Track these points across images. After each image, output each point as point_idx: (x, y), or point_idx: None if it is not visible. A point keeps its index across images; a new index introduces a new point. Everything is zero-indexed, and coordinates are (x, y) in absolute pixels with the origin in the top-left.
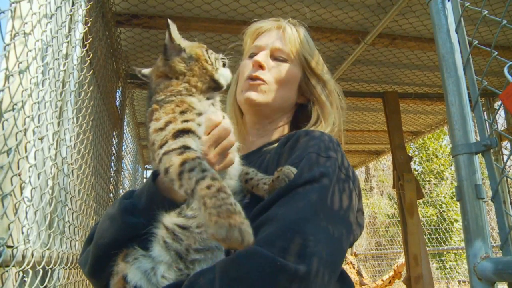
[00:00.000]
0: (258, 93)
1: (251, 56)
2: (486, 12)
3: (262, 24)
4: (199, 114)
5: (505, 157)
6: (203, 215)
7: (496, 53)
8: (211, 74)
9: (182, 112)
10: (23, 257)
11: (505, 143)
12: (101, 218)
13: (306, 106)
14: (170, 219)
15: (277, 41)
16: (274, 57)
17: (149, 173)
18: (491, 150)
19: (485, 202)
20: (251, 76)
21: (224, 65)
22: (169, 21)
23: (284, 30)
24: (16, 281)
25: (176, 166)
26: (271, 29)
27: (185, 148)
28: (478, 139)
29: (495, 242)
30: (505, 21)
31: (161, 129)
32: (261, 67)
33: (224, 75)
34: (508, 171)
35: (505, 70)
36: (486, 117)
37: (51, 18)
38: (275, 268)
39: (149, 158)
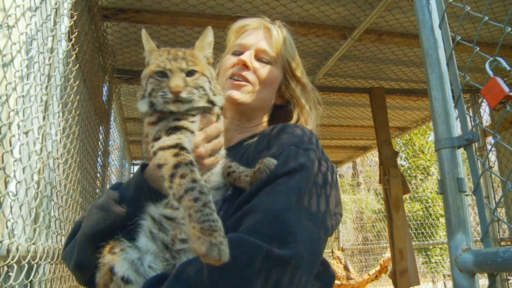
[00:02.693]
0: (241, 92)
1: (235, 53)
2: (469, 8)
3: (248, 22)
4: (192, 115)
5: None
6: (187, 225)
7: (478, 48)
8: None
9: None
10: (8, 251)
11: (490, 139)
12: (88, 210)
13: (283, 107)
14: (156, 209)
15: (262, 41)
16: (258, 58)
17: (136, 168)
18: (475, 145)
19: (467, 195)
20: (235, 74)
21: None
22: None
23: (270, 32)
24: (0, 276)
25: (169, 167)
26: (256, 28)
27: (180, 148)
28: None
29: (479, 236)
30: (487, 18)
31: (154, 123)
32: (246, 67)
33: None
34: (492, 167)
35: (487, 65)
36: (471, 113)
37: (35, 11)
38: (262, 254)
39: (141, 151)
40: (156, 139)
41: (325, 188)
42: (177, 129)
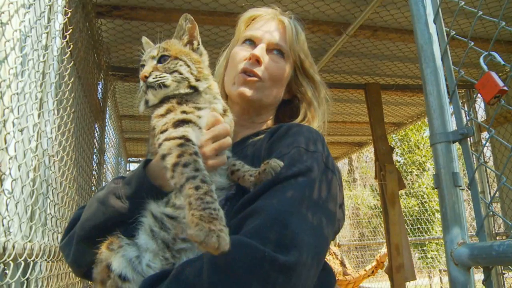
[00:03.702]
0: (252, 89)
1: (245, 44)
2: (463, 3)
3: (260, 12)
4: (198, 108)
5: (485, 148)
6: (186, 213)
7: (472, 43)
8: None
9: (179, 103)
10: (4, 249)
11: (485, 134)
12: (89, 201)
13: (290, 102)
14: (158, 208)
15: (275, 35)
16: (270, 51)
17: (131, 166)
18: (470, 140)
19: (462, 190)
20: (247, 70)
21: None
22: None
23: (284, 24)
24: None
25: (173, 156)
26: (269, 19)
27: (186, 140)
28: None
29: (475, 232)
30: (481, 13)
31: (162, 115)
32: (258, 61)
33: None
34: (487, 162)
35: (481, 60)
36: (466, 108)
37: (29, 8)
38: (263, 258)
39: (147, 146)
40: (163, 131)
41: (330, 192)
42: (184, 122)
